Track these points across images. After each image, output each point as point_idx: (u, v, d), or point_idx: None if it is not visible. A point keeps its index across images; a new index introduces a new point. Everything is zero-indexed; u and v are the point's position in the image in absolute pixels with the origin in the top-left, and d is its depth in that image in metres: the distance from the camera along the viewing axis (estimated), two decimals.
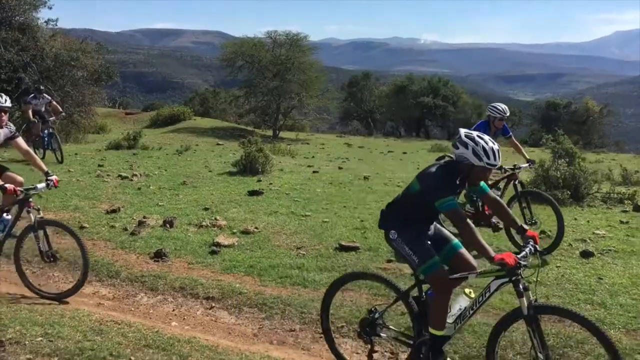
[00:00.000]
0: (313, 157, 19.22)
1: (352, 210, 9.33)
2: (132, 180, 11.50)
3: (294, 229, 7.89)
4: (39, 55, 21.10)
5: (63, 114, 14.61)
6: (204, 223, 8.03)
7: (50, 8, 22.54)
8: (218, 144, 22.81)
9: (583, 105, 44.84)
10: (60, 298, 5.43)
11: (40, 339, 4.45)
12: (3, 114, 5.40)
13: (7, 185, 5.08)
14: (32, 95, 13.83)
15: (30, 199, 5.36)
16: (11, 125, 5.59)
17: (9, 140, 5.59)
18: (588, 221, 8.62)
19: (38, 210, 5.40)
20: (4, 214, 5.59)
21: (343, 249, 6.86)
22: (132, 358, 4.18)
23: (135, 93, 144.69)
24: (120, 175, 11.81)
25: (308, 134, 35.30)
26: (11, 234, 5.60)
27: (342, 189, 11.53)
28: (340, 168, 15.31)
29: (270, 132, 33.06)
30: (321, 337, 4.80)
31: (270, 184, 11.57)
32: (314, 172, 13.94)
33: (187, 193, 10.39)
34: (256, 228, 7.83)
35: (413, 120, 47.39)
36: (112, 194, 10.03)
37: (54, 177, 5.54)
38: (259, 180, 11.90)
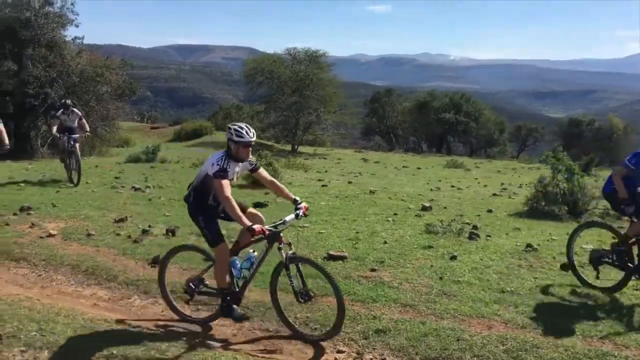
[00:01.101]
0: (326, 171, 19.60)
1: (351, 222, 9.63)
2: (144, 191, 12.00)
3: (289, 239, 8.16)
4: (65, 72, 22.00)
5: (88, 132, 13.82)
6: None
7: (77, 26, 23.52)
8: None
9: (607, 122, 44.48)
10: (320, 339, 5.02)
11: (34, 333, 4.86)
12: (250, 148, 5.05)
13: (255, 226, 4.71)
14: (60, 110, 12.91)
15: (281, 234, 5.05)
16: (252, 158, 5.24)
17: (252, 172, 5.27)
18: (580, 236, 8.75)
19: (289, 245, 5.12)
20: (251, 251, 5.34)
21: (331, 258, 7.16)
22: (115, 352, 4.56)
23: (166, 108, 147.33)
24: (133, 187, 12.33)
25: (327, 149, 35.73)
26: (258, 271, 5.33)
27: (347, 202, 11.84)
28: (349, 182, 15.63)
29: (289, 147, 33.57)
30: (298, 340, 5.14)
31: (277, 196, 11.91)
32: (322, 185, 14.30)
33: None
34: None
35: (435, 136, 47.61)
36: (123, 204, 10.50)
37: (303, 205, 5.18)
38: (267, 193, 12.27)
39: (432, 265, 6.94)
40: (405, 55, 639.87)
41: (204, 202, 5.18)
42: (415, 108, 48.54)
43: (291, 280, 4.99)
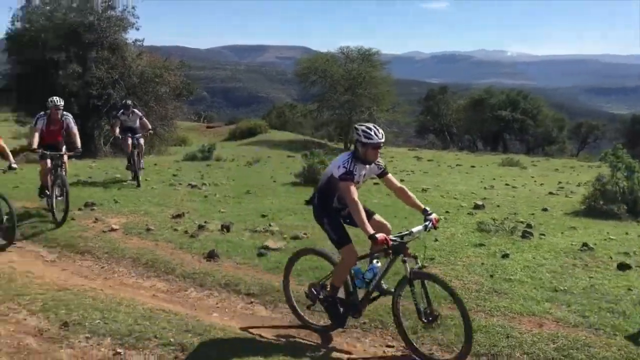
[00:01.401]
0: None
1: (402, 219, 9.62)
2: (200, 189, 12.35)
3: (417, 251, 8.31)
4: (126, 73, 22.84)
5: (151, 131, 13.56)
6: (258, 228, 8.63)
7: (138, 29, 24.35)
8: (289, 156, 23.65)
9: None
10: None
11: (98, 321, 5.17)
12: (379, 150, 4.78)
13: (378, 235, 4.37)
14: (121, 110, 12.76)
15: (407, 246, 4.64)
16: (380, 161, 4.98)
17: (380, 177, 5.05)
18: (639, 235, 8.52)
19: (415, 258, 4.64)
20: (374, 261, 5.01)
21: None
22: (172, 340, 4.79)
23: (222, 107, 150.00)
24: (190, 184, 12.71)
25: None
26: (381, 286, 4.93)
27: (398, 200, 11.81)
28: (402, 180, 15.46)
29: (342, 145, 33.69)
30: (344, 332, 5.25)
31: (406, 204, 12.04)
32: (374, 183, 14.29)
33: (249, 201, 11.08)
34: (305, 234, 8.33)
35: (490, 134, 46.66)
36: (180, 201, 10.86)
37: (433, 216, 4.78)
38: None
39: (483, 263, 6.90)
40: (461, 52, 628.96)
41: (328, 204, 5.03)
42: (470, 105, 47.69)
43: (415, 298, 4.58)
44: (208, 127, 42.46)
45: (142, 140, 12.58)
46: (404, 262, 4.59)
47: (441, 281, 4.70)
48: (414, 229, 4.69)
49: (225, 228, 8.60)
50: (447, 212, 10.34)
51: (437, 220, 4.83)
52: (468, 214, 10.25)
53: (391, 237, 4.53)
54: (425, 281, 4.60)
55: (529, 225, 8.95)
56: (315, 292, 5.21)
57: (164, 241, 8.03)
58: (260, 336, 5.09)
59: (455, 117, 49.87)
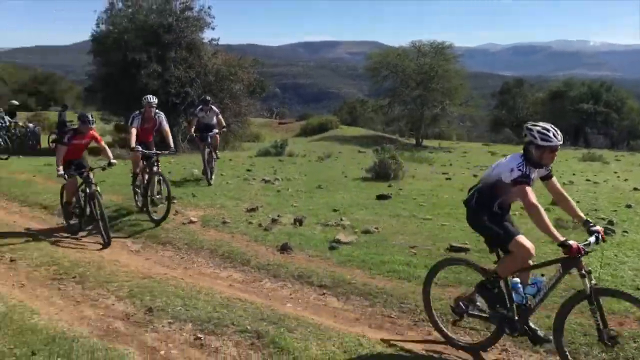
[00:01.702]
0: (451, 164, 19.33)
1: None
2: (273, 183, 12.64)
3: (411, 230, 8.34)
4: (203, 72, 23.59)
5: (225, 129, 13.46)
6: (329, 222, 8.77)
7: (213, 29, 25.10)
8: (360, 152, 23.71)
9: None
10: None
11: (180, 308, 5.46)
12: (556, 153, 4.37)
13: (571, 242, 3.96)
14: (199, 107, 12.68)
15: (581, 259, 4.08)
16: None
17: (544, 179, 4.66)
18: None
19: (589, 273, 4.06)
20: (539, 275, 4.74)
21: (453, 249, 7.19)
22: (249, 327, 4.99)
23: (293, 104, 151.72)
24: (264, 179, 13.03)
25: (452, 143, 35.07)
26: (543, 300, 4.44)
27: None
28: (475, 176, 15.30)
29: (414, 140, 33.38)
30: (415, 325, 5.29)
31: (400, 189, 12.05)
32: (446, 179, 14.18)
33: (321, 196, 11.24)
34: (376, 228, 8.39)
35: (571, 127, 44.75)
36: (254, 195, 11.16)
37: (598, 228, 4.28)
38: (390, 186, 12.44)
39: None
40: (539, 43, 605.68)
41: (487, 208, 4.72)
42: (548, 98, 45.87)
43: (596, 317, 4.04)
44: (280, 124, 43.15)
45: (217, 137, 12.67)
46: (583, 276, 4.04)
47: (635, 299, 4.09)
48: (591, 239, 4.16)
49: (298, 222, 8.79)
50: (522, 207, 10.07)
51: (604, 232, 4.34)
52: (545, 209, 9.90)
53: (582, 246, 4.01)
54: (601, 298, 4.08)
55: (610, 222, 8.63)
56: (463, 307, 4.82)
57: (239, 234, 8.31)
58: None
59: (532, 110, 48.11)
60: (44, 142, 22.02)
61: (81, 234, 8.67)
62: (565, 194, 4.62)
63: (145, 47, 22.93)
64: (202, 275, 6.80)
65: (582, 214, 4.49)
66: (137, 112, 9.63)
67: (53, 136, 21.85)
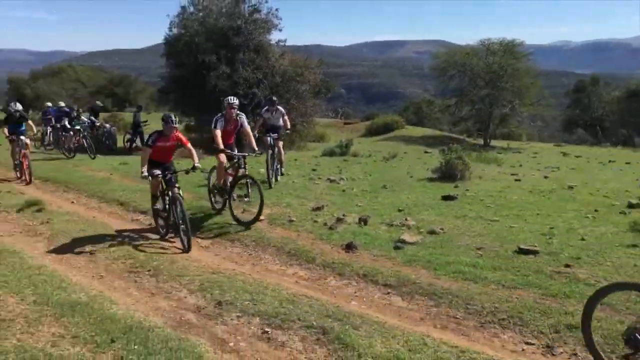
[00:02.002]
0: (520, 165, 18.83)
1: (545, 217, 9.27)
2: (338, 183, 12.73)
3: (478, 231, 8.23)
4: (270, 73, 23.99)
5: (289, 130, 13.20)
6: (394, 222, 8.77)
7: (281, 30, 25.44)
8: (426, 152, 23.47)
9: None
10: None
11: (247, 302, 5.63)
12: None
13: None
14: (265, 108, 12.59)
15: None
16: None
17: None
18: None
19: None
20: None
21: (522, 252, 7.04)
22: (314, 323, 5.10)
23: (358, 104, 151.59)
24: (329, 179, 13.15)
25: (522, 143, 34.11)
26: None
27: (541, 197, 11.36)
28: (545, 177, 14.89)
29: (482, 141, 32.69)
30: (482, 327, 5.24)
31: (467, 190, 11.88)
32: (515, 180, 13.85)
33: (386, 196, 11.24)
34: (442, 229, 8.33)
35: None
36: (319, 194, 11.29)
37: None
38: (456, 186, 12.28)
39: (635, 265, 6.47)
40: (617, 39, 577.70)
41: None
42: (626, 97, 43.75)
43: None
44: (345, 124, 43.21)
45: (280, 143, 12.43)
46: None
47: None
48: None
49: (363, 221, 8.83)
50: (595, 210, 9.75)
51: None
52: (620, 213, 9.59)
53: None
54: None
55: None
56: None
57: (305, 232, 8.45)
58: None
59: (609, 109, 46.08)
60: (120, 142, 23.04)
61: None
62: None
63: (215, 49, 23.55)
64: (269, 272, 6.97)
65: None
66: (219, 114, 9.46)
67: (128, 136, 22.85)
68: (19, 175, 13.97)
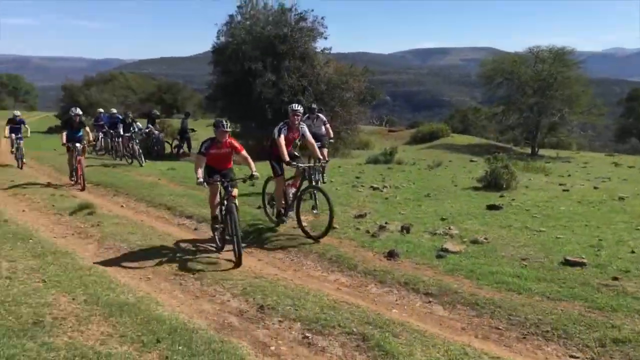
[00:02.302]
0: (569, 175, 18.38)
1: (594, 229, 9.04)
2: (382, 191, 12.72)
3: (523, 242, 8.09)
4: (315, 80, 24.20)
5: (332, 140, 13.06)
6: (437, 231, 8.71)
7: (326, 38, 25.68)
8: (471, 161, 23.19)
9: None
10: None
11: (289, 307, 5.71)
12: None
13: None
14: (306, 116, 11.95)
15: None
16: None
17: None
18: None
19: None
20: None
21: (568, 263, 6.88)
22: (355, 329, 5.13)
23: (403, 111, 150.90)
24: (372, 187, 13.15)
25: (572, 152, 33.25)
26: None
27: (590, 208, 11.07)
28: (595, 187, 14.48)
29: (529, 150, 32.06)
30: (524, 338, 5.15)
31: (513, 199, 11.69)
32: (563, 190, 13.53)
33: (429, 204, 11.17)
34: (486, 239, 8.22)
35: None
36: (362, 202, 11.31)
37: None
38: (502, 196, 12.10)
39: None
40: None
41: None
42: None
43: None
44: (390, 131, 43.12)
45: (325, 152, 11.82)
46: None
47: None
48: None
49: (405, 229, 8.81)
50: None
51: None
52: None
53: None
54: None
55: None
56: None
57: (347, 239, 8.48)
58: None
59: None
60: (167, 148, 23.60)
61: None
62: None
63: (261, 57, 23.95)
64: (311, 278, 7.03)
65: None
66: (283, 122, 9.01)
67: (175, 142, 23.40)
68: (74, 181, 14.32)
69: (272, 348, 4.87)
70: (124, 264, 7.43)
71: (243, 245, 7.59)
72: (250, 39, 24.57)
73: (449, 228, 8.87)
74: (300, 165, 8.67)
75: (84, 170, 13.87)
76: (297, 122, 8.95)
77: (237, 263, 7.30)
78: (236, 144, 8.06)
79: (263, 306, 5.78)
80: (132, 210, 11.31)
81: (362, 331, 5.09)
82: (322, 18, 25.41)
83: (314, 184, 8.89)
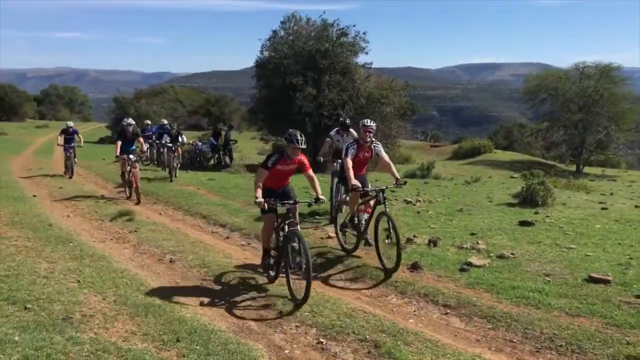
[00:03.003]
0: (612, 194, 17.91)
1: (626, 247, 8.87)
2: (414, 204, 12.77)
3: (550, 258, 8.03)
4: (355, 95, 24.43)
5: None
6: (464, 245, 8.73)
7: (367, 53, 25.86)
8: (512, 177, 22.88)
9: None
10: None
11: (307, 314, 5.89)
12: None
13: None
14: (336, 130, 11.07)
15: None
16: None
17: None
18: None
19: None
20: None
21: (592, 280, 6.82)
22: (368, 337, 5.26)
23: (451, 127, 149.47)
24: (405, 200, 13.22)
25: (619, 171, 32.32)
26: None
27: (627, 226, 10.83)
28: (637, 206, 14.13)
29: (574, 167, 31.39)
30: (538, 352, 5.17)
31: (547, 216, 11.55)
32: (602, 208, 13.25)
33: (461, 219, 11.16)
34: (512, 254, 8.20)
35: None
36: (393, 215, 11.34)
37: None
38: (536, 212, 11.96)
39: None
40: None
41: None
42: None
43: None
44: (432, 146, 42.94)
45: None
46: None
47: None
48: None
49: (432, 243, 8.86)
50: None
51: None
52: None
53: None
54: None
55: None
56: None
57: (372, 250, 8.58)
58: None
59: None
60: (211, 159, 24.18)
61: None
62: None
63: (302, 71, 24.34)
64: (332, 287, 7.17)
65: None
66: (352, 140, 8.48)
67: (215, 154, 23.94)
68: (128, 195, 13.96)
69: (286, 351, 5.06)
70: (156, 268, 7.78)
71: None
72: (292, 53, 25.02)
73: (477, 243, 8.88)
74: (374, 189, 7.97)
75: (138, 183, 13.42)
76: (368, 140, 8.04)
77: (304, 298, 6.10)
78: (306, 161, 7.01)
79: (282, 312, 5.99)
80: (170, 218, 11.71)
81: (375, 338, 5.23)
82: (364, 33, 25.67)
83: (386, 209, 7.71)
